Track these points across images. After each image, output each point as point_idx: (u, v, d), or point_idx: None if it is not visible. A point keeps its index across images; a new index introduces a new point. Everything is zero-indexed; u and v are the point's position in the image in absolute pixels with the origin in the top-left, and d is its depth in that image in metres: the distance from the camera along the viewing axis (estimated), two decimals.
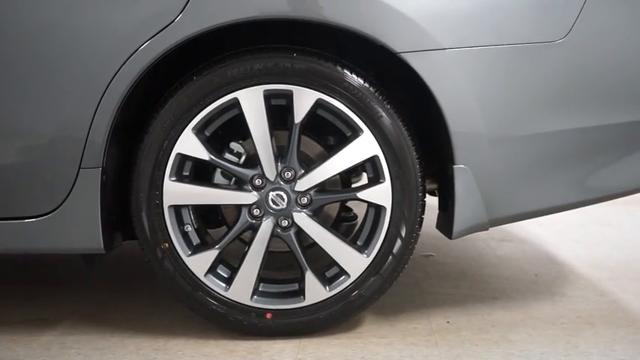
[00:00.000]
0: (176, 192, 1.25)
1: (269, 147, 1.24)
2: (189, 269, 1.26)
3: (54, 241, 1.25)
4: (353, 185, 1.53)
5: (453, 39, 1.19)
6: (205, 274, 1.27)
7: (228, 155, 1.31)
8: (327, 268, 1.32)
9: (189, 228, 1.29)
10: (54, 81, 1.18)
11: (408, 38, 1.18)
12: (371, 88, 1.23)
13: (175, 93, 1.23)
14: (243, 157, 1.32)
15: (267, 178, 1.26)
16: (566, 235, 2.34)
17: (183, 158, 1.25)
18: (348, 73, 1.22)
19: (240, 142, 1.34)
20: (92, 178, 1.22)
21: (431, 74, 1.19)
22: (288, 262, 1.38)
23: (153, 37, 1.16)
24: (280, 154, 1.27)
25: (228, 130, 1.32)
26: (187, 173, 1.28)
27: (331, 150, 1.30)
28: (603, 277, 1.77)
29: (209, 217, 1.44)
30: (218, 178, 1.33)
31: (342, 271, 1.28)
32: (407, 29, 1.18)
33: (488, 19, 1.21)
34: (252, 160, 1.28)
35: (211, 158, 1.24)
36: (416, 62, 1.18)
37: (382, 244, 1.26)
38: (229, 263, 1.33)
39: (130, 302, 1.57)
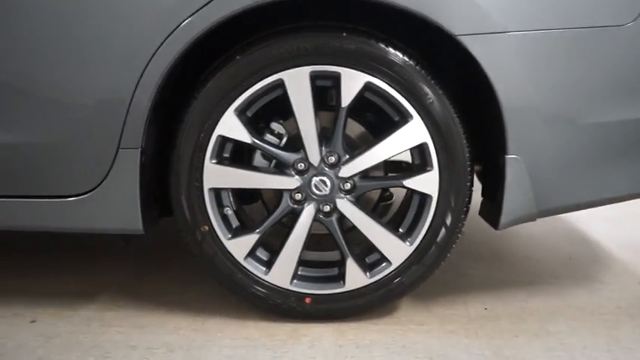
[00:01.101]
0: (217, 175, 1.22)
1: (313, 131, 1.19)
2: (228, 252, 1.25)
3: (92, 220, 1.23)
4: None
5: (514, 22, 1.11)
6: (245, 258, 1.26)
7: (268, 136, 1.27)
8: (367, 253, 1.30)
9: (228, 211, 1.27)
10: (94, 57, 1.13)
11: (467, 20, 1.10)
12: (423, 72, 1.16)
13: (217, 72, 1.17)
14: (285, 139, 1.28)
15: (310, 163, 1.22)
16: (597, 212, 2.29)
17: (224, 140, 1.21)
18: (400, 55, 1.15)
19: (281, 121, 1.29)
20: (131, 159, 1.18)
21: (489, 59, 1.12)
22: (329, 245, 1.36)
23: (194, 13, 1.09)
24: (324, 137, 1.23)
25: (268, 108, 1.27)
26: (228, 155, 1.24)
27: (377, 133, 1.27)
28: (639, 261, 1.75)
29: (243, 194, 1.41)
30: (258, 159, 1.28)
31: (384, 258, 1.26)
32: (467, 11, 1.10)
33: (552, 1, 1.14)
34: (294, 143, 1.24)
35: (254, 141, 1.20)
36: (474, 46, 1.11)
37: (426, 233, 1.23)
38: (268, 246, 1.31)
39: (164, 274, 1.58)
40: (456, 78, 1.27)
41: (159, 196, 1.30)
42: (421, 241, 1.24)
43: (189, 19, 1.10)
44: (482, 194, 1.38)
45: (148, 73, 1.13)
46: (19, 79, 1.16)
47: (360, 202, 1.27)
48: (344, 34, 1.15)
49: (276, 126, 1.28)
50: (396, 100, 1.17)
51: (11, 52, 1.15)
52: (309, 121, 1.19)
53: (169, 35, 1.11)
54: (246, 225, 1.30)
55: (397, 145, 1.20)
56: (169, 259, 1.68)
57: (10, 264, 1.67)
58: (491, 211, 1.28)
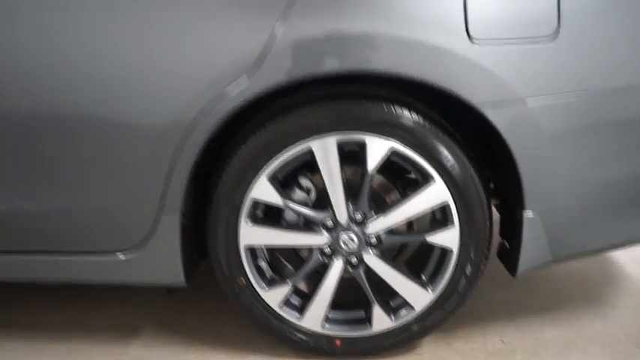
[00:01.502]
0: (251, 234, 1.30)
1: (341, 194, 1.27)
2: (265, 302, 1.35)
3: (138, 275, 1.34)
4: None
5: (530, 91, 1.16)
6: (280, 306, 1.36)
7: (297, 192, 1.36)
8: (392, 296, 1.39)
9: (262, 263, 1.37)
10: (136, 131, 1.20)
11: (485, 90, 1.16)
12: (445, 137, 1.22)
13: (248, 140, 1.25)
14: (313, 193, 1.37)
15: (338, 221, 1.30)
16: None
17: (257, 202, 1.30)
18: (422, 122, 1.21)
19: (309, 175, 1.37)
20: (172, 221, 1.28)
21: (507, 126, 1.17)
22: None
23: (231, 89, 1.15)
24: (351, 194, 1.30)
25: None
26: (261, 213, 1.33)
27: (401, 189, 1.34)
28: None
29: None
30: (288, 213, 1.37)
31: (407, 304, 1.36)
32: (485, 81, 1.15)
33: (569, 69, 1.17)
34: (322, 200, 1.32)
35: (285, 204, 1.28)
36: (492, 113, 1.16)
37: (447, 282, 1.32)
38: (301, 290, 1.41)
39: (201, 305, 1.68)
40: (476, 137, 1.32)
41: (200, 244, 1.40)
42: (443, 289, 1.33)
43: (225, 95, 1.16)
44: (500, 233, 1.46)
45: (186, 149, 1.20)
46: (77, 153, 1.23)
47: (385, 254, 1.35)
48: (368, 104, 1.20)
49: (304, 181, 1.36)
50: (418, 163, 1.24)
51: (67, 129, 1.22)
52: (337, 185, 1.26)
53: (205, 111, 1.17)
54: (280, 273, 1.40)
55: (420, 204, 1.27)
56: (203, 292, 1.77)
57: (57, 294, 1.78)
58: (509, 258, 1.35)
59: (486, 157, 1.37)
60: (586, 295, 1.73)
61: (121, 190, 1.26)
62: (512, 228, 1.32)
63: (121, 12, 1.17)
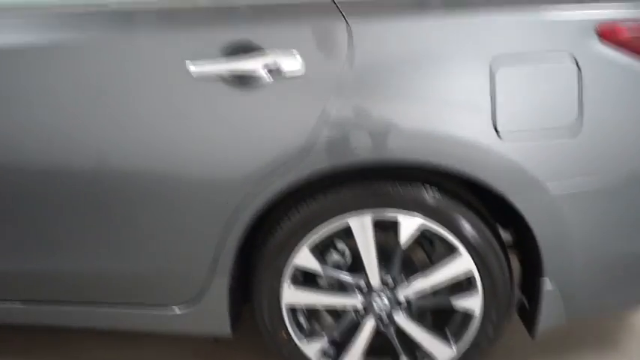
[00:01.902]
0: (292, 295, 1.44)
1: (375, 262, 1.39)
2: (304, 354, 1.50)
3: (190, 327, 1.50)
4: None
5: (551, 179, 1.25)
6: (317, 357, 1.50)
7: (334, 255, 1.48)
8: (417, 347, 1.51)
9: (302, 318, 1.51)
10: (196, 205, 1.33)
11: (510, 179, 1.26)
12: (471, 213, 1.34)
13: (291, 215, 1.38)
14: (348, 256, 1.49)
15: (371, 286, 1.43)
16: None
17: (298, 268, 1.44)
18: (450, 201, 1.33)
19: (344, 239, 1.48)
20: (222, 281, 1.42)
21: (530, 210, 1.28)
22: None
23: (275, 178, 1.28)
24: (383, 259, 1.41)
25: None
26: (301, 275, 1.47)
27: (431, 255, 1.46)
28: None
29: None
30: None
31: (432, 357, 1.49)
32: (510, 171, 1.25)
33: (590, 158, 1.26)
34: (356, 262, 1.44)
35: (324, 270, 1.41)
36: (516, 199, 1.27)
37: (470, 341, 1.44)
38: (337, 341, 1.53)
39: (245, 343, 1.76)
40: (498, 212, 1.42)
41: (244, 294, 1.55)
42: (465, 347, 1.45)
43: (272, 180, 1.28)
44: (521, 289, 1.56)
45: (238, 222, 1.33)
46: (143, 219, 1.37)
47: (413, 314, 1.47)
48: (401, 186, 1.32)
49: (340, 246, 1.49)
50: (446, 237, 1.35)
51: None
52: (371, 255, 1.38)
53: (251, 194, 1.29)
54: (318, 321, 1.54)
55: (447, 273, 1.39)
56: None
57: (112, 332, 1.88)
58: (528, 318, 1.47)
59: (508, 220, 1.47)
60: (601, 343, 1.80)
61: (180, 253, 1.41)
62: (530, 288, 1.44)
63: (189, 98, 1.27)
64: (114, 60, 1.29)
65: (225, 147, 1.29)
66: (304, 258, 1.40)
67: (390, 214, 1.34)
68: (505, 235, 1.50)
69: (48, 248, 1.44)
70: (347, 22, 1.24)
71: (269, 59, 1.23)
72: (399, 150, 1.24)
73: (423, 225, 1.34)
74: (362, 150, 1.25)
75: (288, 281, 1.43)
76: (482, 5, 1.23)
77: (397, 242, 1.37)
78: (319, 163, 1.27)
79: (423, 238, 1.44)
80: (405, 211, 1.33)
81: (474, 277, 1.39)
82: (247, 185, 1.30)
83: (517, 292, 1.50)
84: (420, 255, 1.54)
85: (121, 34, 1.30)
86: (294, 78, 1.24)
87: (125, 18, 1.31)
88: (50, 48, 1.30)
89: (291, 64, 1.23)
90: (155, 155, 1.31)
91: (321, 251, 1.45)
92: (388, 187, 1.33)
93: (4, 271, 1.48)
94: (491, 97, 1.22)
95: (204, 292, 1.44)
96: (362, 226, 1.35)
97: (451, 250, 1.38)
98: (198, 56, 1.25)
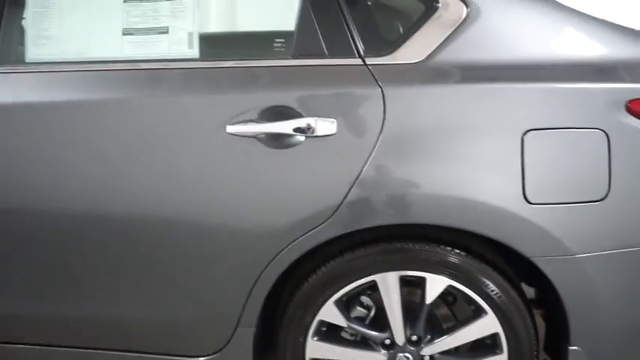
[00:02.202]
0: (317, 349, 1.44)
1: (400, 319, 1.40)
2: None
3: None
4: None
5: (583, 248, 1.27)
6: None
7: (358, 309, 1.49)
8: None
9: None
10: (224, 260, 1.36)
11: (539, 246, 1.27)
12: (499, 277, 1.34)
13: (319, 270, 1.39)
14: (373, 311, 1.50)
15: (396, 342, 1.43)
16: None
17: (323, 322, 1.44)
18: (478, 264, 1.33)
19: (369, 293, 1.49)
20: (247, 332, 1.44)
21: (558, 277, 1.29)
22: None
23: (304, 235, 1.31)
24: (408, 316, 1.41)
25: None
26: (325, 329, 1.47)
27: (456, 313, 1.46)
28: None
29: None
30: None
31: None
32: (539, 238, 1.26)
33: (619, 227, 1.27)
34: (382, 318, 1.44)
35: (349, 325, 1.42)
36: (545, 265, 1.28)
37: None
38: None
39: None
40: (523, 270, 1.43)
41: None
42: None
43: (298, 240, 1.30)
44: (545, 350, 1.56)
45: (261, 280, 1.36)
46: (174, 270, 1.39)
47: None
48: (429, 248, 1.33)
49: (365, 299, 1.50)
50: (473, 299, 1.36)
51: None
52: (397, 313, 1.39)
53: (279, 253, 1.32)
54: None
55: (473, 333, 1.39)
56: None
57: None
58: None
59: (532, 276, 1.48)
60: None
61: (209, 304, 1.42)
62: (555, 348, 1.44)
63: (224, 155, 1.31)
64: (155, 118, 1.34)
65: (257, 203, 1.32)
66: (330, 312, 1.41)
67: (417, 273, 1.35)
68: (529, 292, 1.51)
69: (77, 293, 1.46)
70: (381, 88, 1.28)
71: (305, 123, 1.26)
72: (428, 214, 1.27)
73: (450, 286, 1.35)
74: (390, 213, 1.27)
75: (313, 335, 1.43)
76: (516, 77, 1.26)
77: (423, 300, 1.38)
78: (347, 223, 1.29)
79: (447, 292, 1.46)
80: (433, 272, 1.34)
81: (499, 338, 1.38)
82: (278, 241, 1.33)
83: (542, 354, 1.50)
84: (443, 310, 1.55)
85: (163, 93, 1.36)
86: (327, 140, 1.27)
87: (169, 78, 1.37)
88: (95, 105, 1.35)
89: (326, 127, 1.26)
90: (190, 208, 1.34)
91: (345, 303, 1.46)
92: (416, 248, 1.35)
93: (32, 314, 1.50)
94: (521, 166, 1.24)
95: (230, 342, 1.46)
96: (388, 285, 1.36)
97: (477, 309, 1.38)
98: (236, 118, 1.29)
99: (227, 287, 1.40)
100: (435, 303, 1.46)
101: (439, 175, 1.26)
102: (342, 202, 1.27)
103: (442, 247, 1.34)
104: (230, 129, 1.29)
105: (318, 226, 1.29)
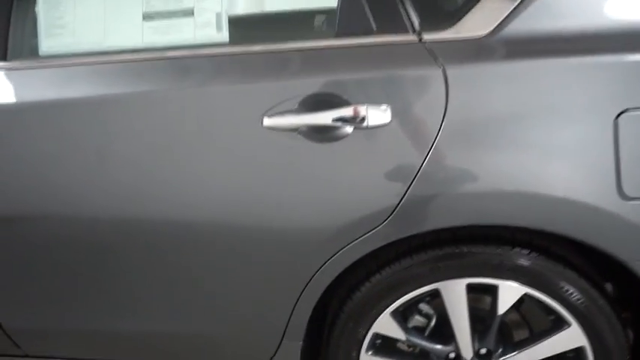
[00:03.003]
0: None
1: (467, 331, 1.23)
2: None
3: None
4: None
5: None
6: None
7: (416, 317, 1.33)
8: None
9: None
10: (271, 269, 1.21)
11: (636, 247, 1.08)
12: (584, 283, 1.15)
13: (373, 278, 1.23)
14: (434, 320, 1.34)
15: (462, 357, 1.26)
16: None
17: (378, 335, 1.29)
18: (561, 269, 1.14)
19: (428, 299, 1.34)
20: (292, 347, 1.30)
21: None
22: None
23: (356, 240, 1.14)
24: (476, 327, 1.25)
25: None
26: (380, 342, 1.31)
27: (528, 325, 1.28)
28: None
29: None
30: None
31: None
32: (636, 238, 1.07)
33: None
34: (443, 328, 1.27)
35: (408, 338, 1.26)
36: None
37: None
38: None
39: None
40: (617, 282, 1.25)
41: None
42: None
43: (351, 245, 1.14)
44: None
45: (313, 286, 1.20)
46: (217, 285, 1.25)
47: None
48: (503, 251, 1.15)
49: (424, 306, 1.34)
50: (555, 309, 1.17)
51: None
52: (464, 324, 1.22)
53: (330, 258, 1.16)
54: None
55: (553, 347, 1.21)
56: None
57: None
58: None
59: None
60: None
61: (249, 318, 1.28)
62: None
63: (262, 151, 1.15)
64: (183, 113, 1.18)
65: (302, 206, 1.15)
66: (386, 324, 1.25)
67: (488, 281, 1.18)
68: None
69: (112, 307, 1.34)
70: (442, 67, 1.09)
71: (353, 112, 1.09)
72: (503, 215, 1.08)
73: (526, 294, 1.17)
74: (458, 213, 1.10)
75: (367, 349, 1.28)
76: (607, 48, 1.04)
77: (494, 310, 1.21)
78: (407, 226, 1.12)
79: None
80: (507, 279, 1.16)
81: (584, 351, 1.20)
82: (327, 247, 1.16)
83: None
84: (513, 317, 1.38)
85: (191, 84, 1.20)
86: (379, 131, 1.09)
87: (196, 67, 1.21)
88: (116, 101, 1.20)
89: (378, 115, 1.08)
90: (226, 214, 1.18)
91: (402, 312, 1.30)
92: (487, 252, 1.16)
93: (65, 329, 1.39)
94: (615, 154, 1.03)
95: (274, 356, 1.33)
96: (454, 293, 1.19)
97: (557, 319, 1.19)
98: (274, 109, 1.12)
99: (269, 298, 1.25)
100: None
101: (515, 169, 1.06)
102: (400, 202, 1.10)
103: (517, 250, 1.16)
104: (267, 122, 1.13)
105: (373, 229, 1.12)
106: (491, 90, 1.07)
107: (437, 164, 1.09)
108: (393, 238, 1.13)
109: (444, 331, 1.29)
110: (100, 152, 1.22)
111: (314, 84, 1.12)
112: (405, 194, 1.10)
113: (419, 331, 1.32)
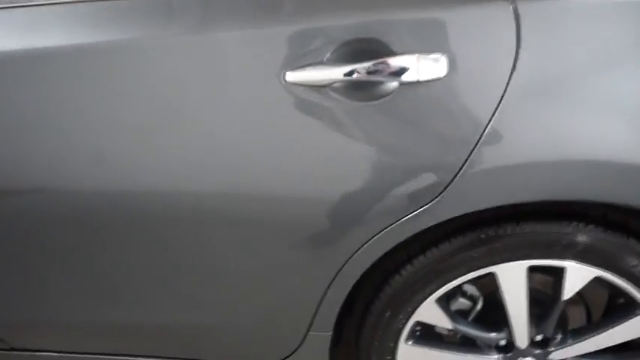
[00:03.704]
0: (410, 354, 1.13)
1: (525, 318, 1.06)
2: None
3: None
4: None
5: None
6: None
7: (460, 300, 1.17)
8: None
9: None
10: (296, 260, 1.02)
11: None
12: None
13: (415, 260, 1.04)
14: (480, 302, 1.17)
15: (516, 345, 1.10)
16: None
17: (420, 323, 1.13)
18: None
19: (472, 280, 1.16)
20: (320, 339, 1.13)
21: None
22: None
23: (402, 219, 0.94)
24: (532, 309, 1.07)
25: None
26: (419, 331, 1.15)
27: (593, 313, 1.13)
28: None
29: None
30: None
31: None
32: None
33: None
34: (491, 312, 1.11)
35: (455, 327, 1.10)
36: None
37: None
38: None
39: None
40: None
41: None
42: None
43: (395, 225, 0.95)
44: None
45: (343, 274, 1.02)
46: (245, 275, 1.07)
47: None
48: (577, 226, 0.96)
49: (469, 287, 1.16)
50: (628, 292, 1.00)
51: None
52: (521, 310, 1.05)
53: (370, 239, 0.96)
54: None
55: (624, 334, 1.05)
56: None
57: None
58: None
59: None
60: None
61: (272, 308, 1.11)
62: None
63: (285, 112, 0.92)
64: (182, 67, 0.93)
65: (335, 179, 0.94)
66: (430, 312, 1.08)
67: (554, 262, 1.00)
68: None
69: (135, 299, 1.14)
70: (512, 2, 0.85)
71: (400, 62, 0.86)
72: (587, 188, 0.88)
73: (599, 277, 0.99)
74: (528, 187, 0.89)
75: (407, 339, 1.12)
76: None
77: (557, 295, 1.04)
78: (464, 202, 0.92)
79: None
80: (578, 260, 0.98)
81: None
82: (365, 227, 0.96)
83: None
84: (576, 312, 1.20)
85: (189, 29, 0.94)
86: (433, 86, 0.87)
87: (196, 6, 0.94)
88: (95, 51, 0.95)
89: (431, 66, 0.86)
90: (244, 190, 0.97)
91: (445, 297, 1.12)
92: (554, 231, 0.97)
93: (90, 321, 1.19)
94: None
95: (301, 348, 1.16)
96: (512, 278, 1.02)
97: (627, 302, 1.03)
98: (299, 60, 0.88)
99: (296, 285, 1.06)
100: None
101: (605, 134, 0.86)
102: (457, 174, 0.89)
103: (592, 227, 0.97)
104: (290, 76, 0.89)
105: (423, 206, 0.92)
106: (575, 32, 0.84)
107: (504, 127, 0.87)
108: (448, 217, 0.93)
109: (490, 316, 1.14)
110: (80, 120, 0.98)
111: (350, 27, 0.88)
112: (463, 164, 0.89)
113: (463, 315, 1.16)
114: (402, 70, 0.87)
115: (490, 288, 1.12)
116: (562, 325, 1.12)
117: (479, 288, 1.16)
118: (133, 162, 0.99)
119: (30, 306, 1.21)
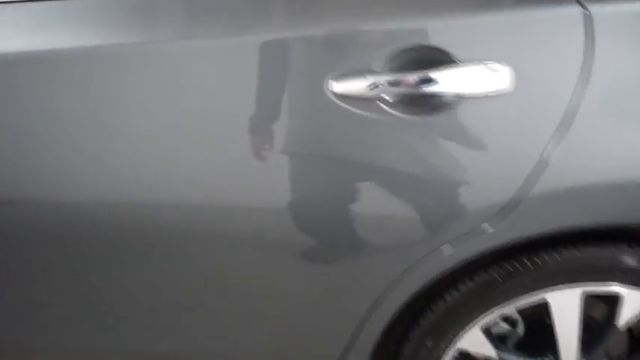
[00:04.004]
0: None
1: (575, 347, 0.99)
2: None
3: None
4: None
5: None
6: None
7: (500, 324, 1.10)
8: None
9: None
10: (328, 285, 0.93)
11: None
12: None
13: (460, 285, 0.97)
14: (521, 327, 1.11)
15: None
16: None
17: (462, 351, 1.05)
18: None
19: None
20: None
21: None
22: None
23: (459, 239, 0.86)
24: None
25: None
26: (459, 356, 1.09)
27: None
28: None
29: None
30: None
31: None
32: None
33: None
34: (534, 337, 1.05)
35: (501, 357, 1.02)
36: None
37: None
38: None
39: None
40: None
41: None
42: None
43: (433, 255, 0.87)
44: None
45: (393, 297, 0.92)
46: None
47: None
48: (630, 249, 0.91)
49: (510, 311, 1.10)
50: None
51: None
52: (572, 339, 0.98)
53: (410, 272, 0.89)
54: None
55: None
56: None
57: None
58: None
59: None
60: None
61: (312, 334, 1.01)
62: None
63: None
64: (209, 75, 0.82)
65: (378, 198, 0.85)
66: (474, 341, 1.00)
67: (610, 288, 0.94)
68: None
69: (152, 325, 1.02)
70: (583, 8, 0.79)
71: (460, 73, 0.78)
72: None
73: None
74: (600, 208, 0.84)
75: None
76: None
77: (610, 320, 0.99)
78: (526, 224, 0.85)
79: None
80: (636, 285, 0.93)
81: None
82: (411, 250, 0.88)
83: None
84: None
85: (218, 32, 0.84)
86: (497, 100, 0.79)
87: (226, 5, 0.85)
88: (109, 53, 0.84)
89: (495, 78, 0.79)
90: (277, 210, 0.87)
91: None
92: (610, 255, 0.91)
93: (104, 348, 1.07)
94: None
95: None
96: (566, 303, 0.95)
97: None
98: (346, 69, 0.79)
99: (326, 315, 0.97)
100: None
101: None
102: (520, 195, 0.82)
103: None
104: (337, 87, 0.81)
105: (480, 230, 0.84)
106: None
107: (574, 145, 0.80)
108: (507, 239, 0.86)
109: (532, 340, 1.08)
110: (86, 124, 0.86)
111: (404, 34, 0.80)
112: (527, 184, 0.82)
113: (500, 340, 1.09)
114: (461, 82, 0.80)
115: (530, 311, 1.06)
116: (608, 350, 1.07)
117: (518, 311, 1.11)
118: (133, 173, 0.88)
119: (22, 329, 1.10)
